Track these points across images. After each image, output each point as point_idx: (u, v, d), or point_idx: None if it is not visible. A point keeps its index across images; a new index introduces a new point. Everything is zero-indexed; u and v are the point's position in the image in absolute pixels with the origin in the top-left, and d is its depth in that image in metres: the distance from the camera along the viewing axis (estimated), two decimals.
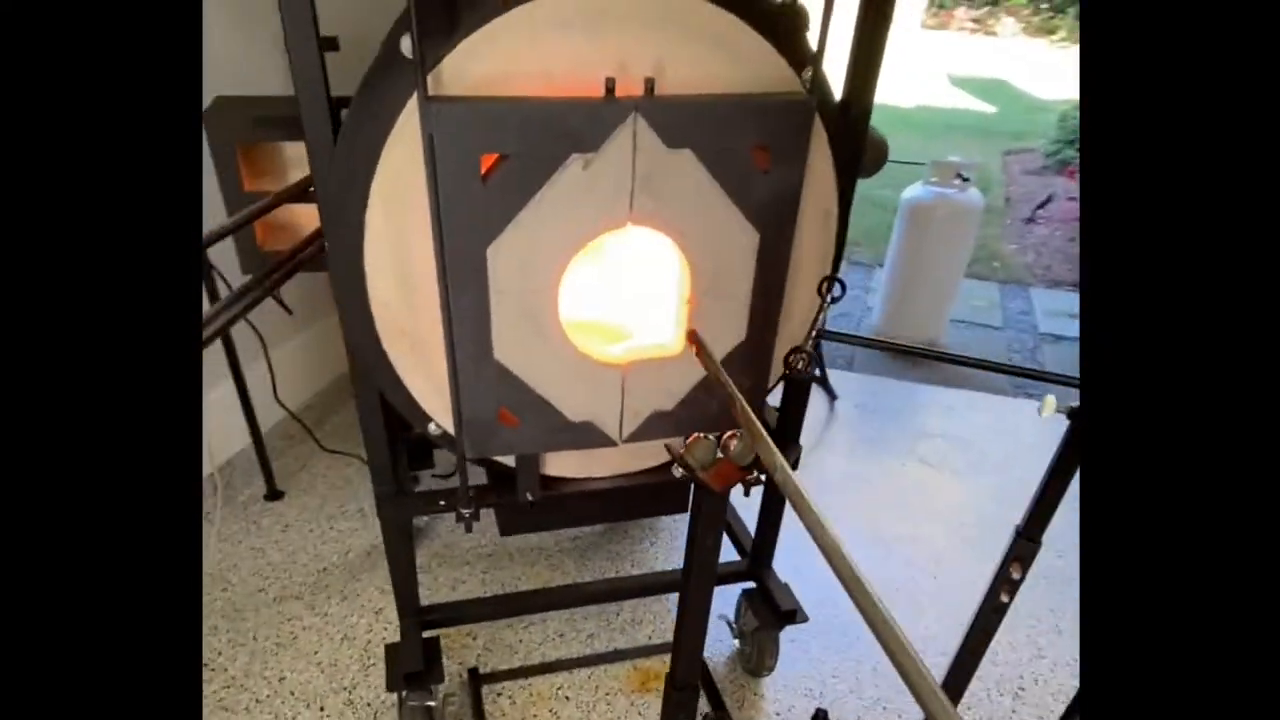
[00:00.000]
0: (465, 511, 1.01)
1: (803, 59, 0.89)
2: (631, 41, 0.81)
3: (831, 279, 0.90)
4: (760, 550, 1.44)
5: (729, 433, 0.72)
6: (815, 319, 0.90)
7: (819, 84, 0.88)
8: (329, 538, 1.63)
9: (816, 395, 2.42)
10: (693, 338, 0.92)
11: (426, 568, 1.59)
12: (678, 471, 0.71)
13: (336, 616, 1.43)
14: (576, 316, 1.00)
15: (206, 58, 1.43)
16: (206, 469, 1.65)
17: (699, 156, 0.85)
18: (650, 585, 1.43)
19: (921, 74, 9.66)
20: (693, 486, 0.75)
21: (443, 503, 1.04)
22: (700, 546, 0.77)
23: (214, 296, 1.43)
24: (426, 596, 1.50)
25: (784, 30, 0.89)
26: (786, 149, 0.88)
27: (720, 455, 0.71)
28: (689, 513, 0.79)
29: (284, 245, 1.16)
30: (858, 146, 1.02)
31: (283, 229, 1.24)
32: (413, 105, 0.76)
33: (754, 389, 1.05)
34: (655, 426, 1.03)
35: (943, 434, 2.28)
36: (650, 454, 1.14)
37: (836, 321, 3.01)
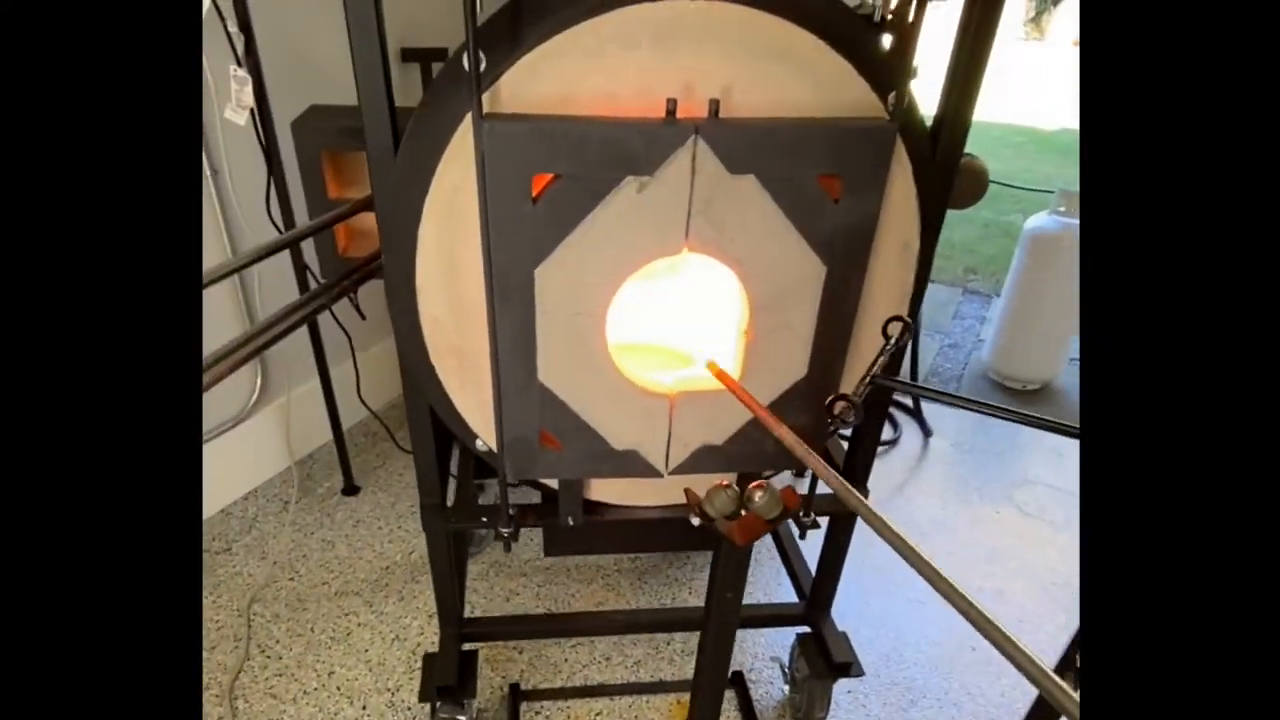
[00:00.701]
0: (505, 531, 1.00)
1: (888, 81, 0.82)
2: (700, 61, 0.77)
3: (900, 320, 0.82)
4: (819, 595, 1.35)
5: (754, 483, 0.66)
6: (872, 365, 0.83)
7: (903, 108, 0.81)
8: (396, 536, 1.67)
9: (910, 431, 2.28)
10: (714, 368, 0.87)
11: (484, 575, 1.60)
12: (695, 520, 0.67)
13: (391, 616, 1.46)
14: (628, 339, 0.97)
15: (310, 65, 1.50)
16: (286, 461, 1.73)
17: (763, 183, 0.80)
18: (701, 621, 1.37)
19: (1065, 93, 9.01)
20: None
21: (485, 520, 1.03)
22: (720, 600, 0.72)
23: (303, 289, 1.50)
24: (480, 605, 1.51)
25: (869, 49, 0.83)
26: (861, 178, 0.82)
27: (744, 506, 0.66)
28: (711, 563, 0.74)
29: (365, 252, 1.19)
30: (947, 175, 0.94)
31: (365, 235, 1.28)
32: (468, 122, 0.75)
33: (812, 428, 0.99)
34: (704, 460, 0.98)
35: (1045, 481, 2.09)
36: (704, 485, 1.09)
37: (945, 353, 2.84)
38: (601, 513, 1.07)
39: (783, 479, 1.75)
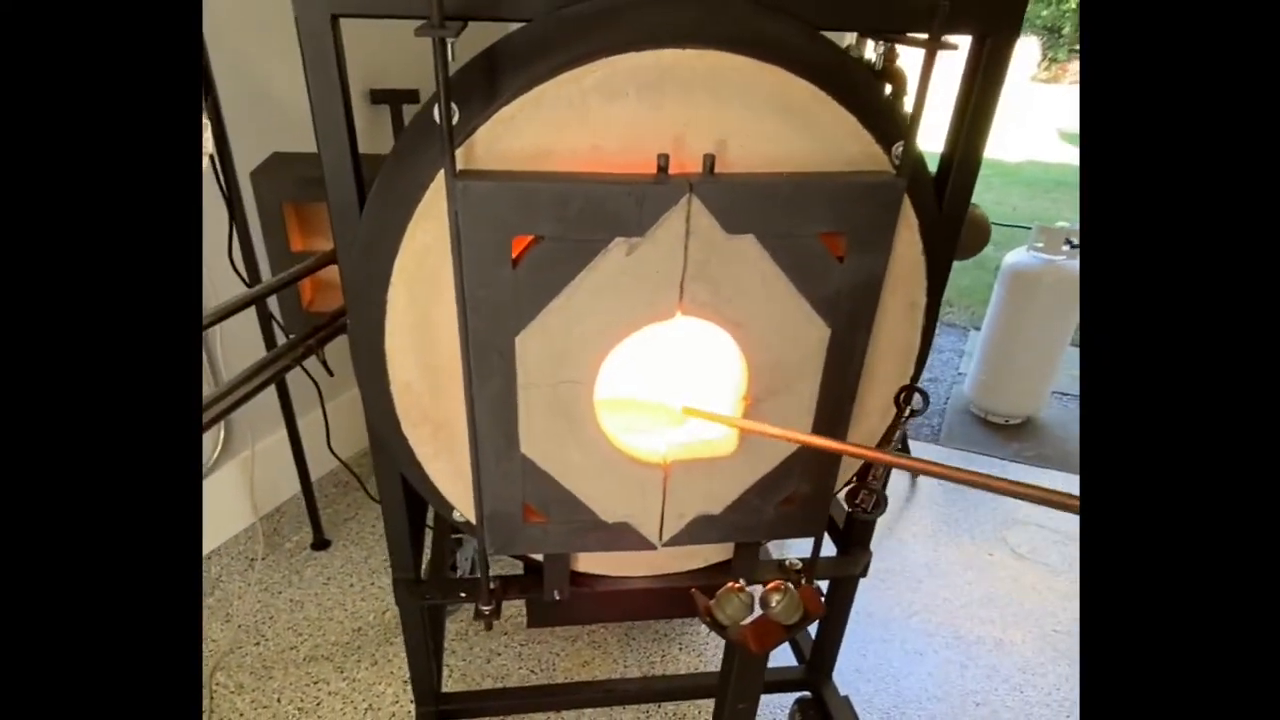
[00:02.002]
0: (485, 608, 0.92)
1: (893, 132, 0.77)
2: (692, 113, 0.72)
3: (910, 389, 0.76)
4: (820, 658, 1.28)
5: (771, 584, 0.59)
6: (890, 441, 0.77)
7: (910, 162, 0.76)
8: (369, 594, 1.58)
9: (898, 471, 2.22)
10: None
11: (463, 635, 1.51)
12: (705, 624, 0.60)
13: (364, 684, 1.37)
14: (612, 393, 0.90)
15: (274, 109, 1.43)
16: (251, 517, 1.63)
17: (763, 243, 0.74)
18: (693, 689, 1.30)
19: (1030, 128, 9.18)
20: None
21: (463, 595, 0.95)
22: (730, 713, 0.65)
23: (270, 344, 1.41)
24: (459, 667, 1.42)
25: (872, 99, 0.78)
26: (867, 236, 0.76)
27: (757, 611, 0.59)
28: (720, 672, 0.67)
29: (331, 305, 1.12)
30: (955, 228, 0.89)
31: (332, 288, 1.20)
32: (441, 178, 0.69)
33: (815, 496, 0.92)
34: (700, 531, 0.91)
35: (1036, 522, 2.04)
36: (697, 554, 1.02)
37: (926, 387, 2.80)
38: (589, 584, 1.00)
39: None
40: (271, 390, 1.45)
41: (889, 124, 0.78)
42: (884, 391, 0.91)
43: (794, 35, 0.75)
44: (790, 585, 0.59)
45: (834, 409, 0.86)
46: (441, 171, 0.68)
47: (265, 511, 1.72)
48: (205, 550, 1.60)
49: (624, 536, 0.89)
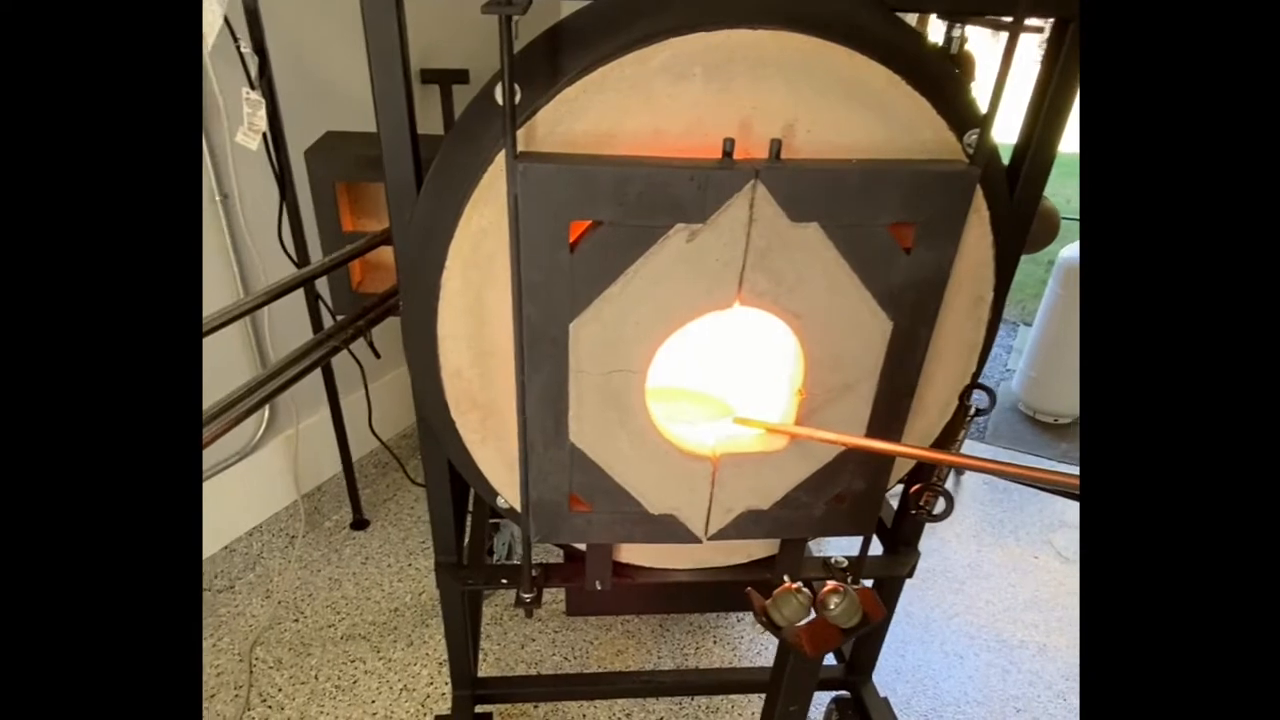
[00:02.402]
0: (526, 596, 0.91)
1: (967, 119, 0.74)
2: (759, 96, 0.69)
3: (974, 387, 0.73)
4: (861, 658, 1.26)
5: (829, 586, 0.57)
6: (958, 442, 0.74)
7: (985, 151, 0.72)
8: (406, 575, 1.59)
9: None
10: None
11: (498, 620, 1.52)
12: (760, 623, 0.58)
13: (400, 664, 1.38)
14: (660, 383, 0.89)
15: (327, 88, 1.43)
16: (293, 495, 1.65)
17: (827, 232, 0.72)
18: (728, 683, 1.28)
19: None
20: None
21: (504, 581, 0.94)
22: (781, 714, 0.63)
23: (318, 327, 1.42)
24: (494, 652, 1.42)
25: (948, 85, 0.74)
26: (937, 227, 0.73)
27: (814, 613, 0.57)
28: (771, 674, 0.65)
29: (381, 287, 1.12)
30: (1025, 220, 0.85)
31: (381, 269, 1.20)
32: (500, 161, 0.67)
33: (867, 494, 0.90)
34: (747, 526, 0.89)
35: None
36: (741, 549, 1.00)
37: None
38: (631, 575, 0.99)
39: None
40: (317, 371, 1.46)
41: (964, 111, 0.74)
42: (944, 388, 0.88)
43: (869, 17, 0.72)
44: (849, 587, 0.57)
45: (892, 405, 0.83)
46: (501, 153, 0.66)
47: (307, 490, 1.74)
48: (247, 526, 1.62)
49: (669, 529, 0.87)
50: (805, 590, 0.57)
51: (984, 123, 0.72)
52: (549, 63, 0.69)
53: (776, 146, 0.68)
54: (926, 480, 0.66)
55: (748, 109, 0.70)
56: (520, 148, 0.67)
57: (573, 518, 0.85)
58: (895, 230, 0.74)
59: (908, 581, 1.69)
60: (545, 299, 0.70)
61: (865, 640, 1.23)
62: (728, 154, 0.68)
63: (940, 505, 0.66)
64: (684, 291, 0.72)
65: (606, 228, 0.68)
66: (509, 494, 0.87)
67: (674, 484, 0.84)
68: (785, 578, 1.01)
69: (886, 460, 0.88)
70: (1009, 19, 0.69)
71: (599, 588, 0.95)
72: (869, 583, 1.13)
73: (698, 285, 0.72)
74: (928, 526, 1.91)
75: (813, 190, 0.69)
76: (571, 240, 0.69)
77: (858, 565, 1.01)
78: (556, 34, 0.69)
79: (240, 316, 0.91)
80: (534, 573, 0.92)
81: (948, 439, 0.73)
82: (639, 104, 0.68)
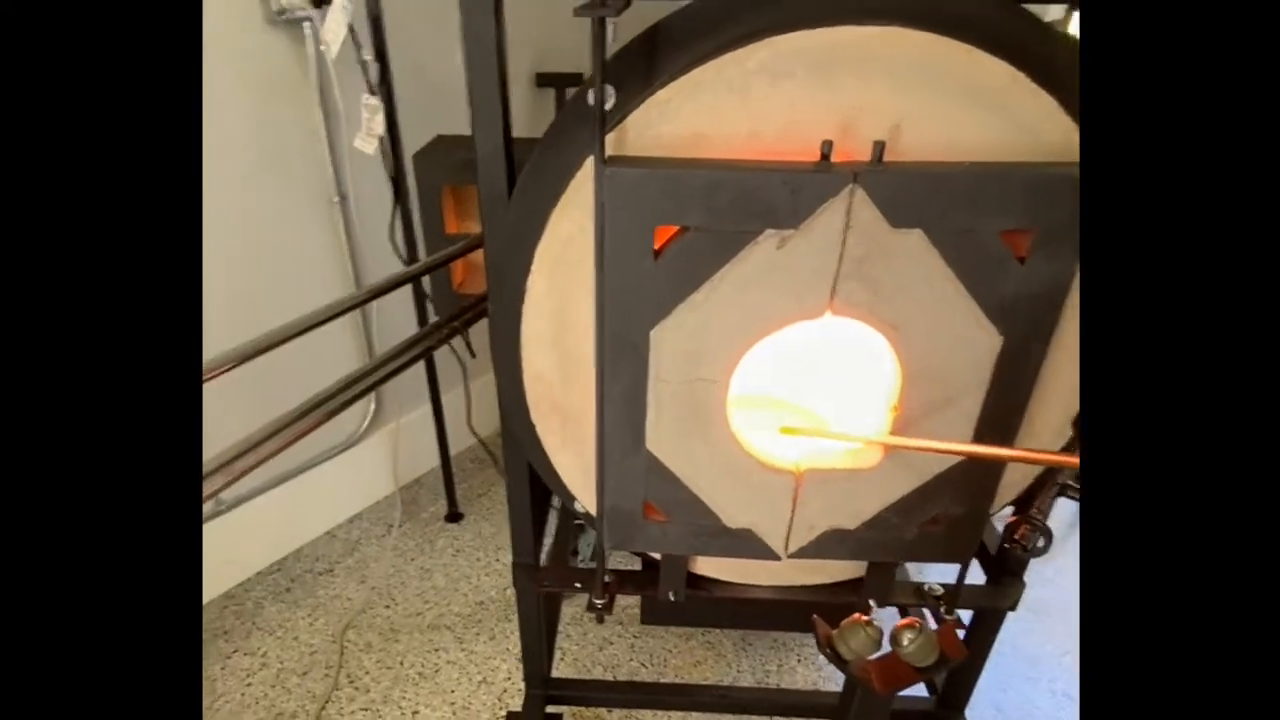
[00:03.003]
0: (598, 602, 0.90)
1: None
2: (864, 96, 0.65)
3: None
4: (953, 693, 1.18)
5: (903, 621, 0.53)
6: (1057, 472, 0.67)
7: None
8: (494, 569, 1.62)
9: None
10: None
11: (578, 620, 1.52)
12: (824, 655, 0.54)
13: (481, 656, 1.41)
14: (756, 390, 0.86)
15: (442, 94, 1.49)
16: (391, 486, 1.72)
17: (932, 239, 0.67)
18: (811, 706, 1.23)
19: None
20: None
21: (579, 585, 0.94)
22: None
23: (423, 321, 1.48)
24: (571, 651, 1.43)
25: (1075, 80, 0.68)
26: (1058, 235, 0.67)
27: (887, 648, 0.53)
28: (838, 705, 0.61)
29: (481, 288, 1.15)
30: None
31: (481, 271, 1.23)
32: (589, 166, 0.67)
33: (967, 519, 0.83)
34: (830, 546, 0.85)
35: None
36: (825, 569, 0.95)
37: None
38: (706, 588, 0.96)
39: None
40: (420, 366, 1.52)
41: None
42: (1058, 408, 0.80)
43: (988, 9, 0.67)
44: (927, 623, 0.52)
45: (999, 425, 0.77)
46: (590, 157, 0.66)
47: (406, 481, 1.82)
48: (349, 514, 1.71)
49: (746, 544, 0.84)
50: (876, 624, 0.53)
51: None
52: (644, 65, 0.68)
53: (879, 149, 0.65)
54: (1025, 512, 0.60)
55: (851, 109, 0.66)
56: (610, 151, 0.67)
57: (647, 527, 0.83)
58: (1009, 237, 0.68)
59: (1017, 613, 1.57)
60: (627, 305, 0.69)
61: (959, 675, 1.15)
62: (825, 156, 0.65)
63: (1040, 541, 0.59)
64: (772, 300, 0.69)
65: (693, 233, 0.66)
66: (586, 499, 0.87)
67: (753, 498, 0.81)
68: (872, 602, 0.96)
69: (990, 484, 0.82)
70: None
71: (672, 599, 0.93)
72: (966, 614, 1.06)
73: (787, 293, 0.69)
74: (1051, 548, 1.77)
75: (917, 194, 0.65)
76: (657, 246, 0.68)
77: (953, 595, 0.94)
78: (653, 36, 0.68)
79: (345, 312, 0.97)
80: (607, 579, 0.91)
81: (1049, 476, 0.67)
82: (734, 106, 0.66)
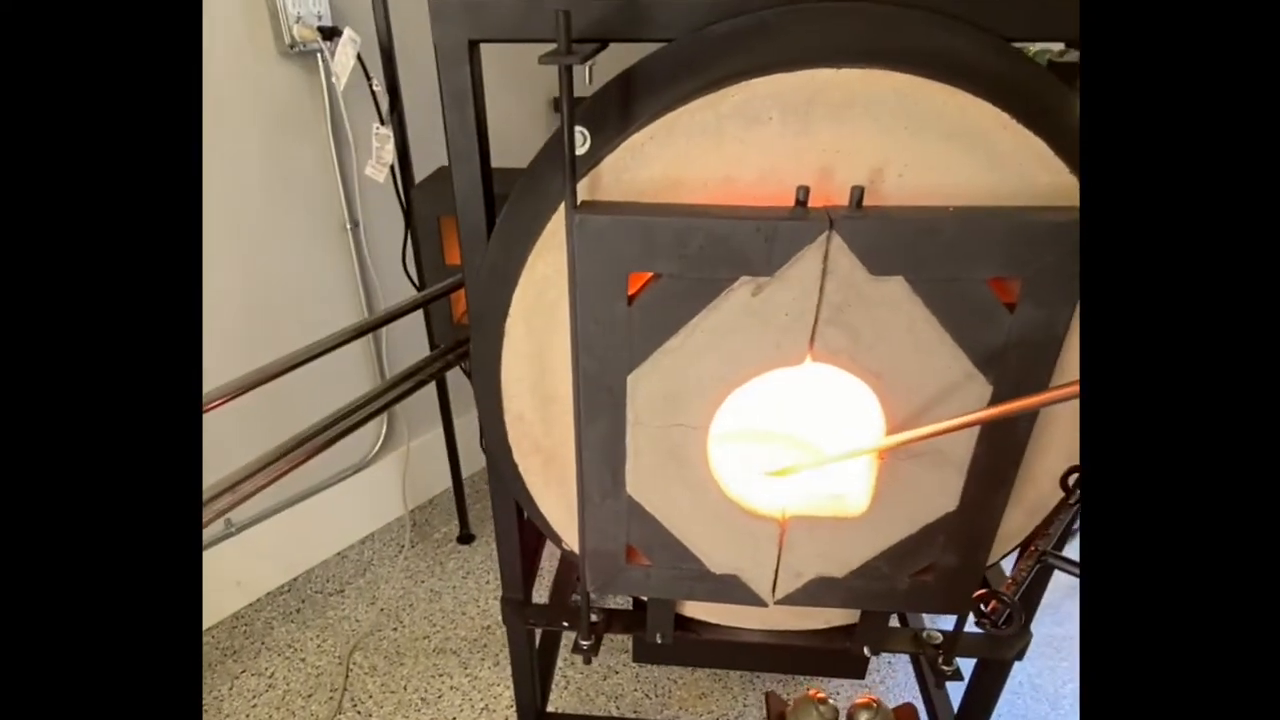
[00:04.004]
0: (584, 643, 0.89)
1: None
2: (842, 140, 0.64)
3: (1077, 470, 0.63)
4: None
5: (861, 699, 0.51)
6: (1042, 531, 0.63)
7: None
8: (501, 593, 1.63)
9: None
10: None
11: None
12: None
13: (485, 683, 1.40)
14: (743, 425, 0.84)
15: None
16: (398, 510, 1.74)
17: (914, 287, 0.65)
18: None
19: None
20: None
21: (565, 625, 0.93)
22: None
23: (435, 347, 1.49)
24: (574, 680, 1.42)
25: (1069, 122, 0.65)
26: (1047, 283, 0.64)
27: None
28: None
29: None
30: None
31: None
32: (563, 210, 0.66)
33: (961, 570, 0.80)
34: (819, 593, 0.83)
35: None
36: (818, 614, 0.93)
37: None
38: (696, 630, 0.94)
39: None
40: (432, 390, 1.54)
41: None
42: (1058, 457, 0.77)
43: (974, 48, 0.64)
44: (881, 703, 0.50)
45: (991, 477, 0.74)
46: (564, 202, 0.66)
47: (419, 502, 1.83)
48: (360, 534, 1.73)
49: (732, 589, 0.82)
50: (829, 703, 0.51)
51: None
52: (619, 108, 0.67)
53: (858, 194, 0.63)
54: (990, 588, 0.57)
55: (829, 153, 0.65)
56: (584, 196, 0.66)
57: (630, 570, 0.82)
58: (997, 284, 0.66)
59: (1036, 650, 1.51)
60: (602, 350, 0.69)
61: (969, 716, 1.11)
62: (801, 202, 0.63)
63: (1008, 617, 0.56)
64: (749, 347, 0.68)
65: (666, 280, 0.65)
66: (570, 539, 0.86)
67: (737, 543, 0.79)
68: (866, 649, 0.92)
69: (984, 532, 0.78)
70: None
71: (659, 641, 0.91)
72: (969, 662, 1.02)
73: (764, 340, 0.68)
74: (1068, 588, 1.70)
75: (897, 241, 0.63)
76: (632, 291, 0.67)
77: (951, 644, 0.90)
78: (628, 79, 0.67)
79: (355, 338, 0.99)
80: (594, 619, 0.90)
81: (1039, 532, 0.63)
82: (708, 151, 0.65)
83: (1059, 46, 1.02)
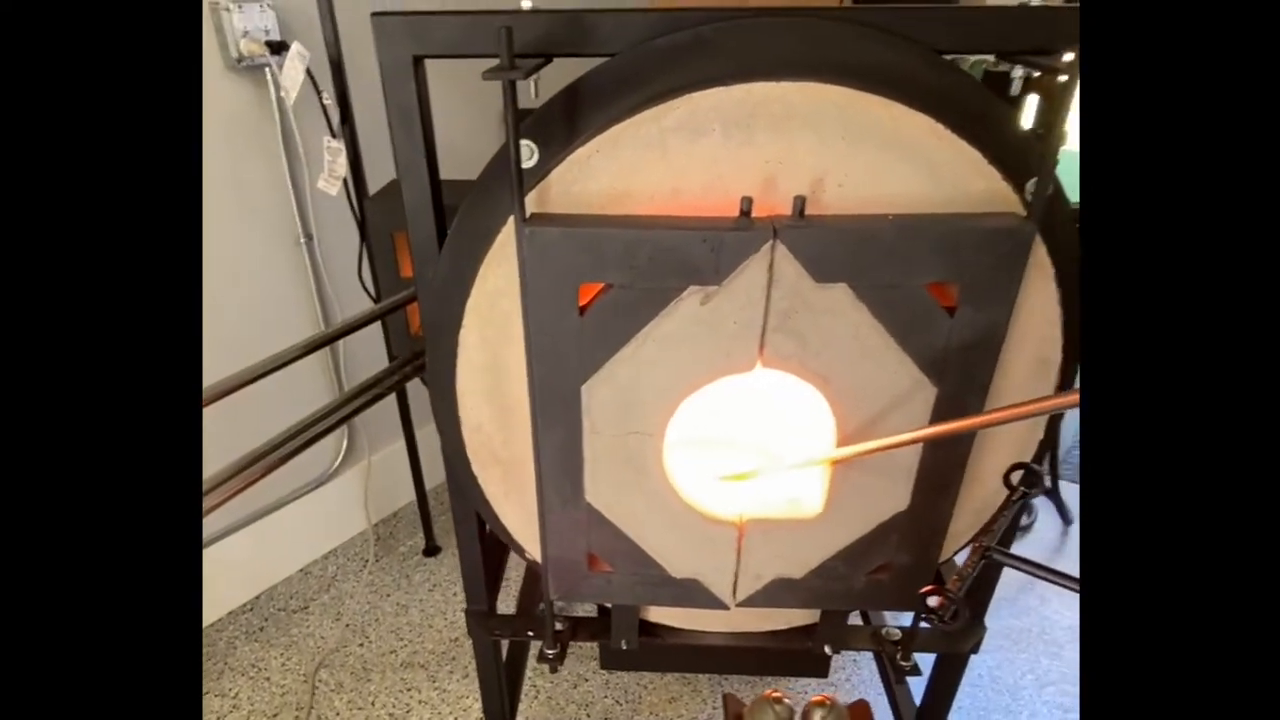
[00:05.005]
0: (549, 652, 0.90)
1: (1029, 167, 0.67)
2: (784, 151, 0.65)
3: (1022, 467, 0.65)
4: None
5: (816, 698, 0.52)
6: (987, 531, 0.66)
7: (1043, 202, 0.65)
8: None
9: (1047, 515, 1.98)
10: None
11: None
12: None
13: (454, 695, 1.39)
14: (701, 433, 0.85)
15: None
16: (361, 525, 1.72)
17: (858, 293, 0.67)
18: None
19: None
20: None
21: (531, 634, 0.93)
22: None
23: (392, 357, 1.48)
24: (544, 689, 1.41)
25: (1004, 130, 0.68)
26: (983, 288, 0.66)
27: None
28: None
29: None
30: None
31: None
32: (513, 222, 0.67)
33: (914, 568, 0.82)
34: (778, 594, 0.84)
35: None
36: (779, 615, 0.94)
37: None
38: (661, 635, 0.95)
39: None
40: (393, 404, 1.53)
41: (1020, 157, 0.67)
42: (1005, 456, 0.79)
43: (908, 61, 0.66)
44: (835, 701, 0.51)
45: (940, 476, 0.76)
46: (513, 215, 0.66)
47: (384, 515, 1.81)
48: (324, 550, 1.71)
49: (693, 594, 0.83)
50: (786, 702, 0.52)
51: (1041, 170, 0.65)
52: (565, 122, 0.68)
53: (800, 203, 0.64)
54: (938, 584, 0.59)
55: (772, 165, 0.66)
56: (533, 208, 0.67)
57: (593, 577, 0.83)
58: (937, 289, 0.68)
59: (996, 642, 1.54)
60: (556, 360, 0.69)
61: (928, 711, 1.13)
62: (745, 213, 0.65)
63: (954, 613, 0.58)
64: (700, 355, 0.69)
65: (617, 290, 0.66)
66: (532, 548, 0.86)
67: (697, 548, 0.81)
68: (827, 648, 0.94)
69: (936, 534, 0.81)
70: (1068, 60, 0.62)
71: (625, 647, 0.92)
72: (926, 659, 1.04)
73: (715, 348, 0.69)
74: (1027, 583, 1.74)
75: (839, 249, 0.65)
76: (584, 302, 0.67)
77: (908, 639, 0.93)
78: (574, 92, 0.68)
79: (312, 351, 0.97)
80: (559, 627, 0.90)
81: (987, 530, 0.66)
82: (654, 163, 0.66)
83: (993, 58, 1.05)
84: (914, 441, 0.68)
